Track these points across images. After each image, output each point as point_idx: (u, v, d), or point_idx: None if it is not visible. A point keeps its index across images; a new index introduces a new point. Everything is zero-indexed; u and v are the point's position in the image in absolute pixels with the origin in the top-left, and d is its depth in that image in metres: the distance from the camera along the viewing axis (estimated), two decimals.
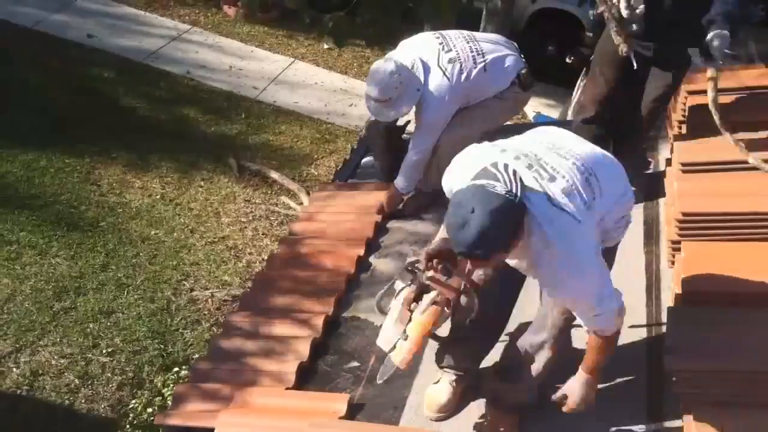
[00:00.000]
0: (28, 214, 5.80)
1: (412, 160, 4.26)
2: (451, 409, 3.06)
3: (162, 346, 4.92)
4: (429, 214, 4.40)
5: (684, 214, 3.38)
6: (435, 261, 2.66)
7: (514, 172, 2.32)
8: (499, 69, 4.21)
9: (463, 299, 2.73)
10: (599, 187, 2.53)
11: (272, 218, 6.27)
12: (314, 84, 8.40)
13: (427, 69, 4.10)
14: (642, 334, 3.33)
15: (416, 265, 2.71)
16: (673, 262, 3.50)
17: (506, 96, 4.28)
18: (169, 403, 3.67)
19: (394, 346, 2.73)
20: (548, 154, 2.52)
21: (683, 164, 3.61)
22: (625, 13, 3.46)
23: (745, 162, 3.48)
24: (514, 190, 2.26)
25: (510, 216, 2.26)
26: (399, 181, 4.35)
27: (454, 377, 3.06)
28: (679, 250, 3.37)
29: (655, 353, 3.19)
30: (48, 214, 5.85)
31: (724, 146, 3.52)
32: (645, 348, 3.27)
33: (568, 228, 2.39)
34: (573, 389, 2.69)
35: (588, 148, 2.67)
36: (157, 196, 6.28)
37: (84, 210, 5.99)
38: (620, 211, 2.73)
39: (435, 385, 3.11)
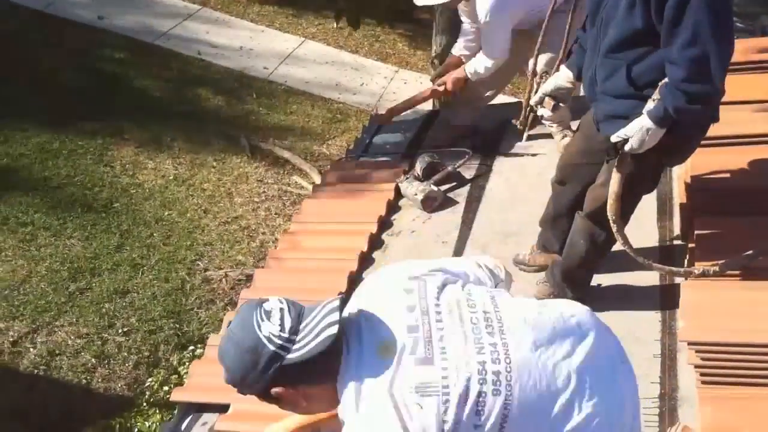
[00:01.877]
0: (42, 196, 5.84)
1: (486, 58, 4.37)
2: None
3: (177, 326, 4.95)
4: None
5: (697, 189, 3.36)
6: None
7: (324, 328, 1.73)
8: None
9: None
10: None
11: (285, 198, 6.28)
12: (325, 63, 8.38)
13: None
14: (657, 310, 3.33)
15: None
16: (686, 237, 3.49)
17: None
18: (185, 380, 3.69)
19: None
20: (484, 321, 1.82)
21: None
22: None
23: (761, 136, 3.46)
24: (285, 345, 1.73)
25: (247, 362, 1.76)
26: (469, 67, 4.50)
27: None
28: (692, 225, 3.36)
29: (670, 330, 3.20)
30: (62, 196, 5.89)
31: (736, 120, 3.49)
32: (659, 326, 3.27)
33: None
34: None
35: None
36: (170, 177, 6.30)
37: (97, 191, 6.02)
38: None
39: None
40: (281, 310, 1.76)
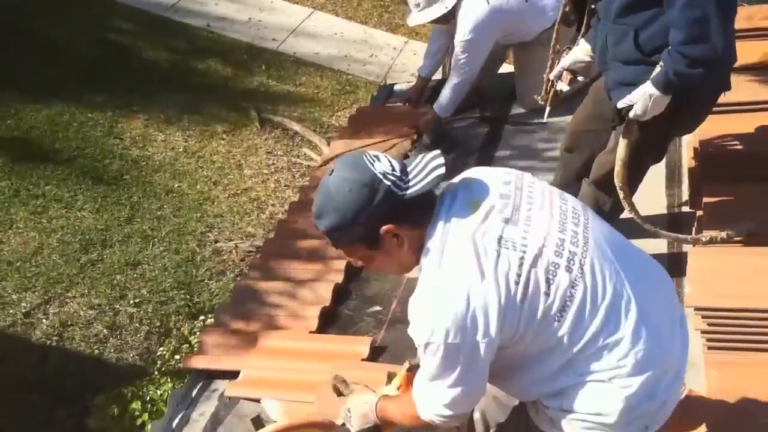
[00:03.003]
0: (53, 168, 5.86)
1: (453, 82, 4.32)
2: None
3: (188, 297, 4.98)
4: None
5: (706, 156, 3.35)
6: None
7: (432, 169, 1.83)
8: (540, 8, 4.22)
9: None
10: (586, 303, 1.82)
11: (294, 170, 6.28)
12: (334, 34, 8.33)
13: None
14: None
15: None
16: (694, 204, 3.49)
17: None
18: (196, 349, 3.73)
19: None
20: (555, 209, 1.89)
21: None
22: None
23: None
24: (398, 182, 1.80)
25: (364, 196, 1.79)
26: (438, 105, 4.42)
27: None
28: (701, 191, 3.36)
29: (678, 296, 3.20)
30: (72, 168, 5.91)
31: (744, 87, 3.47)
32: None
33: (453, 276, 1.78)
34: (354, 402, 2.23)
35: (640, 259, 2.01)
36: (180, 149, 6.31)
37: (108, 163, 6.04)
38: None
39: None
40: (389, 158, 1.85)
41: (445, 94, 4.42)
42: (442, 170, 1.82)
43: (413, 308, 1.83)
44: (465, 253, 1.78)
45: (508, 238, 1.80)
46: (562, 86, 3.32)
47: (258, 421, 2.28)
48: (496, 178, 1.93)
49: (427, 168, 1.83)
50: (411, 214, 1.83)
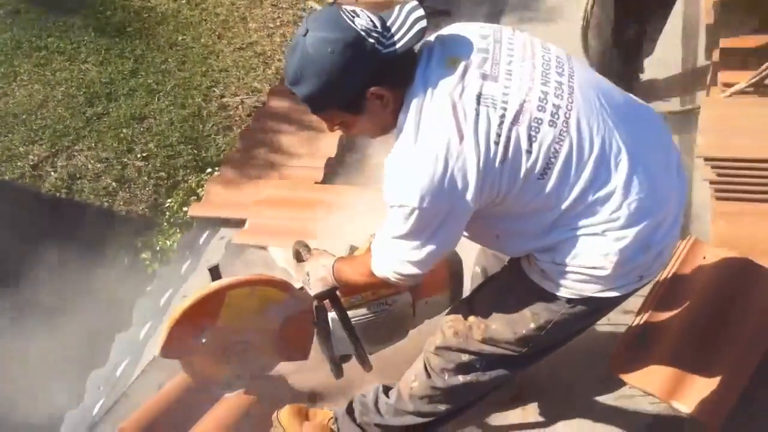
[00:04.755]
0: (54, 20, 5.74)
1: None
2: None
3: (195, 151, 4.97)
4: None
5: (722, 2, 3.24)
6: None
7: (414, 22, 1.72)
8: None
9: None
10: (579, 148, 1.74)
11: (300, 24, 6.11)
12: None
13: None
14: (678, 123, 3.30)
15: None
16: (710, 55, 3.40)
17: None
18: (203, 199, 3.74)
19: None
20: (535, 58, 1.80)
21: None
22: None
23: None
24: (382, 39, 1.69)
25: (347, 57, 1.68)
26: None
27: None
28: (716, 40, 3.26)
29: (688, 148, 3.18)
30: (74, 19, 5.78)
31: None
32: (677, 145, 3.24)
33: (430, 138, 1.70)
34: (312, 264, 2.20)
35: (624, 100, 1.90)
36: (183, 0, 6.14)
37: (110, 15, 5.90)
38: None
39: None
40: (362, 11, 1.72)
41: None
42: (424, 23, 1.70)
43: (389, 169, 1.75)
44: (443, 115, 1.69)
45: (487, 95, 1.70)
46: None
47: (216, 271, 2.27)
48: (473, 33, 1.80)
49: (408, 21, 1.71)
50: (394, 73, 1.72)
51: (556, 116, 1.72)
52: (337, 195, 3.30)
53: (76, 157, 4.88)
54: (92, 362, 3.31)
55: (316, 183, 3.37)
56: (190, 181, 4.72)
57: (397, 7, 1.74)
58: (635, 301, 2.55)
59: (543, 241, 1.83)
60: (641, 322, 2.39)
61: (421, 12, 1.71)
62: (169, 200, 4.61)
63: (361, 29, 1.67)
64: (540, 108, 1.71)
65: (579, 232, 1.79)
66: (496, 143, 1.68)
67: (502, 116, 1.69)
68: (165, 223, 4.47)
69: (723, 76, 3.09)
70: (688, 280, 2.45)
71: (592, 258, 1.80)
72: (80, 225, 4.53)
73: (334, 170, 3.45)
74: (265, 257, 3.12)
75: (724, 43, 3.17)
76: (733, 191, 2.79)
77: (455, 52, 1.76)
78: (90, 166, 4.84)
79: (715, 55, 3.22)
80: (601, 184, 1.75)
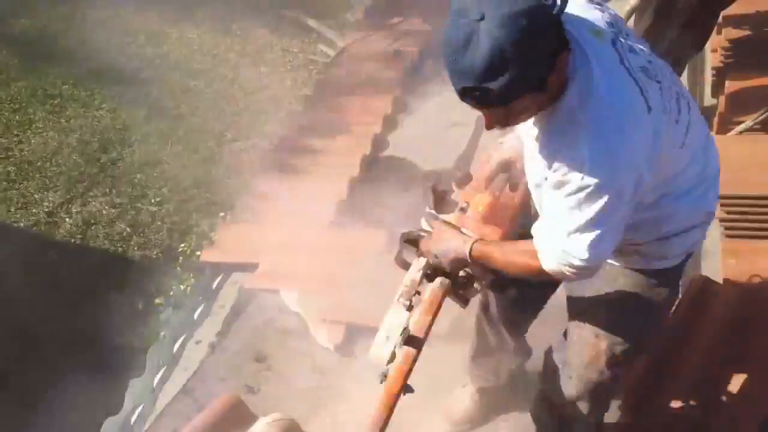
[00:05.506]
0: (68, 68, 5.83)
1: None
2: (471, 421, 2.70)
3: (208, 195, 4.99)
4: None
5: (729, 41, 3.26)
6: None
7: None
8: None
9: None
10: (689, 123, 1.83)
11: (311, 67, 6.18)
12: None
13: None
14: None
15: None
16: (716, 92, 3.42)
17: None
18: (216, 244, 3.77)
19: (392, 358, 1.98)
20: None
21: None
22: None
23: None
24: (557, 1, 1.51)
25: (542, 26, 1.49)
26: None
27: (475, 388, 2.67)
28: (723, 79, 3.29)
29: None
30: (88, 68, 5.87)
31: None
32: None
33: (625, 109, 1.62)
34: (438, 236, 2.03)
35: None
36: (195, 47, 6.24)
37: (123, 63, 5.98)
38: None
39: (457, 392, 2.73)
40: None
41: None
42: None
43: (566, 149, 1.63)
44: (629, 87, 1.63)
45: (645, 67, 1.69)
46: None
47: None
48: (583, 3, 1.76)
49: None
50: (564, 37, 1.57)
51: (681, 95, 1.80)
52: (348, 236, 3.32)
53: (91, 203, 4.92)
54: (106, 409, 3.31)
55: (329, 223, 3.40)
56: (203, 225, 4.75)
57: None
58: None
59: (661, 212, 1.88)
60: (654, 360, 2.39)
61: None
62: (183, 245, 4.63)
63: None
64: (671, 84, 1.78)
65: (680, 198, 1.88)
66: (665, 112, 1.71)
67: (660, 89, 1.71)
68: (178, 268, 4.49)
69: (730, 115, 3.10)
70: (699, 318, 2.45)
71: (697, 216, 1.92)
72: (94, 271, 4.55)
73: (345, 210, 3.47)
74: (278, 301, 3.13)
75: (731, 83, 3.19)
76: (742, 229, 2.80)
77: (590, 23, 1.68)
78: (104, 211, 4.88)
79: (723, 94, 3.24)
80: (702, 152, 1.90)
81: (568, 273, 1.78)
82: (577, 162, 1.61)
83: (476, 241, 1.94)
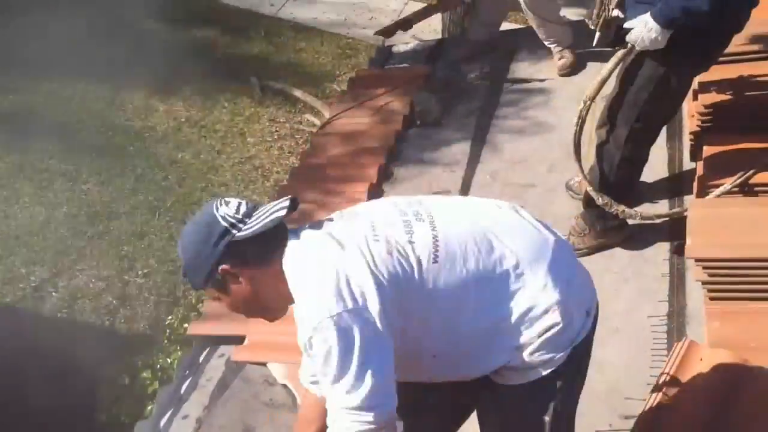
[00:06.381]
0: (56, 143, 5.87)
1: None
2: None
3: None
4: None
5: (705, 106, 3.33)
6: None
7: (273, 211, 1.87)
8: None
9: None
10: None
11: (297, 136, 6.27)
12: None
13: None
14: (665, 228, 3.34)
15: None
16: (695, 156, 3.48)
17: None
18: (203, 316, 3.76)
19: None
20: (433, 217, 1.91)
21: None
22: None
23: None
24: (237, 224, 1.84)
25: (201, 237, 1.87)
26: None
27: None
28: (700, 143, 3.34)
29: (677, 246, 3.21)
30: (76, 142, 5.92)
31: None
32: (667, 246, 3.29)
33: (313, 258, 1.83)
34: None
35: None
36: (182, 119, 6.31)
37: (111, 136, 6.05)
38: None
39: None
40: (239, 202, 1.90)
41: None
42: (281, 212, 1.87)
43: (296, 315, 1.82)
44: (320, 241, 1.85)
45: (355, 225, 1.88)
46: (618, 12, 2.99)
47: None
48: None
49: (269, 211, 1.88)
50: (253, 253, 1.86)
51: (420, 215, 1.90)
52: None
53: (78, 277, 4.92)
54: None
55: None
56: (190, 297, 4.75)
57: (275, 202, 1.93)
58: (635, 406, 2.55)
59: (495, 334, 1.89)
60: (640, 428, 2.38)
61: (285, 203, 1.89)
62: (170, 317, 4.63)
63: (219, 215, 1.85)
64: (402, 212, 1.91)
65: (514, 313, 1.87)
66: (376, 241, 1.82)
67: (373, 227, 1.85)
68: (165, 341, 4.48)
69: (709, 178, 3.15)
70: (686, 383, 2.45)
71: (541, 323, 1.88)
72: (81, 345, 4.52)
73: None
74: (265, 374, 3.12)
75: (708, 147, 3.25)
76: (725, 291, 2.81)
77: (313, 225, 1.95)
78: (91, 285, 4.88)
79: (700, 158, 3.29)
80: (494, 258, 1.87)
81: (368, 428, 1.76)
82: (298, 324, 1.81)
83: None
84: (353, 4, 8.16)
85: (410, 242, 1.83)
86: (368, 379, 1.73)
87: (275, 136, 6.25)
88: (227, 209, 1.86)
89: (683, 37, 2.80)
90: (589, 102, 3.10)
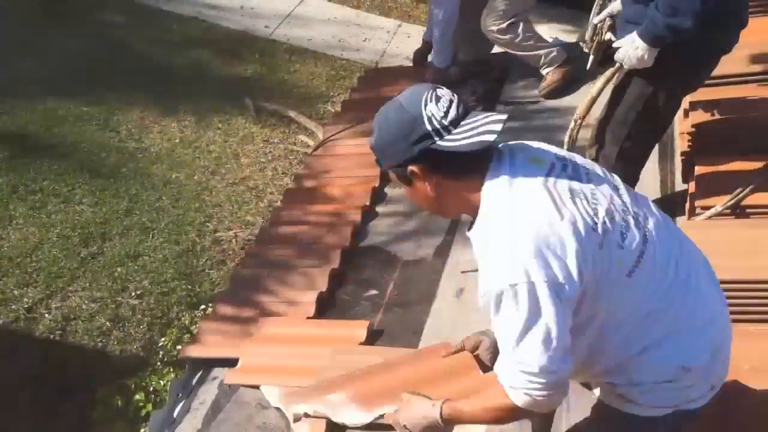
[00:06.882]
0: (49, 164, 5.87)
1: (438, 34, 4.50)
2: None
3: (189, 287, 5.00)
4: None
5: (694, 126, 3.35)
6: None
7: (482, 132, 1.75)
8: None
9: None
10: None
11: (291, 157, 6.28)
12: (327, 20, 8.31)
13: None
14: None
15: None
16: (686, 178, 3.49)
17: None
18: (196, 338, 3.75)
19: None
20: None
21: None
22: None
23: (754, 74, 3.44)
24: (441, 131, 1.75)
25: (399, 130, 1.79)
26: (434, 58, 4.81)
27: None
28: (692, 163, 3.36)
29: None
30: (69, 163, 5.91)
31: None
32: None
33: (530, 214, 1.72)
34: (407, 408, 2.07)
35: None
36: (176, 140, 6.32)
37: (104, 157, 6.04)
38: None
39: None
40: (451, 101, 1.78)
41: (435, 44, 4.61)
42: (491, 137, 1.73)
43: (484, 260, 1.74)
44: (540, 197, 1.73)
45: (578, 190, 1.77)
46: (611, 36, 3.09)
47: None
48: (542, 146, 1.91)
49: (480, 128, 1.75)
50: (447, 167, 1.79)
51: (639, 222, 1.82)
52: (329, 329, 3.32)
53: (71, 298, 4.90)
54: None
55: (308, 318, 3.40)
56: (183, 318, 4.73)
57: (487, 113, 1.80)
58: None
59: (623, 358, 1.86)
60: None
61: (497, 127, 1.75)
62: (163, 339, 4.61)
63: (427, 113, 1.75)
64: (624, 211, 1.81)
65: (652, 347, 1.84)
66: (594, 229, 1.73)
67: (595, 209, 1.76)
68: (158, 363, 4.45)
69: (700, 199, 3.16)
70: None
71: (668, 371, 1.85)
72: (74, 367, 4.50)
73: (326, 303, 3.48)
74: (258, 397, 3.11)
75: (700, 167, 3.27)
76: None
77: (538, 154, 1.85)
78: (84, 306, 4.86)
79: (692, 179, 3.31)
80: (672, 295, 1.84)
81: (537, 397, 1.76)
82: (484, 272, 1.73)
83: (444, 402, 1.97)
84: (347, 25, 8.20)
85: (620, 246, 1.76)
86: (549, 346, 1.69)
87: (269, 157, 6.25)
88: (436, 109, 1.75)
89: (671, 55, 2.83)
90: (580, 120, 3.12)
